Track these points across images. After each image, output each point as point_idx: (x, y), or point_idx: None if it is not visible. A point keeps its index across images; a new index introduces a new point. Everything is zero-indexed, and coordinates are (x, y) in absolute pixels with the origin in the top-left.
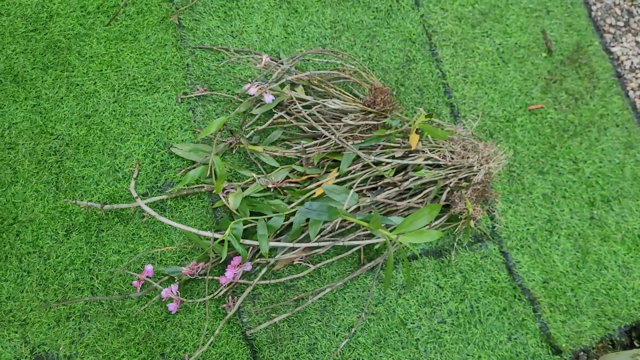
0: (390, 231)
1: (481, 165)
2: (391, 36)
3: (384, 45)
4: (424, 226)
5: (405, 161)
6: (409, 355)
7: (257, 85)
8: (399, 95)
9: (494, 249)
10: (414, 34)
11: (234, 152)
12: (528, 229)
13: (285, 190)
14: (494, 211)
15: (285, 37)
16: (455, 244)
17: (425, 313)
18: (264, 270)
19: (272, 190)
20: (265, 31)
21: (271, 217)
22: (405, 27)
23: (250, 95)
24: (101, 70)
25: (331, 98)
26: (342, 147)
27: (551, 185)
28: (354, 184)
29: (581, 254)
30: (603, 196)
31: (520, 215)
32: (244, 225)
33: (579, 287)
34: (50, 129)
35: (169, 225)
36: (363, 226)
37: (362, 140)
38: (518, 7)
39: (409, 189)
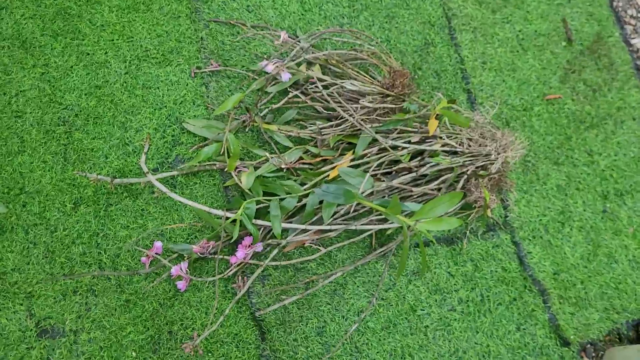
0: (406, 217)
1: (499, 154)
2: (410, 18)
3: (402, 26)
4: (443, 214)
5: (423, 147)
6: (418, 342)
7: (275, 63)
8: (416, 79)
9: (506, 238)
10: (433, 17)
11: (247, 130)
12: (541, 220)
13: (298, 171)
14: (507, 200)
15: (302, 14)
16: (467, 232)
17: (436, 300)
18: (275, 252)
19: (284, 170)
20: (282, 7)
21: (284, 198)
22: (425, 9)
23: (266, 73)
24: (112, 40)
25: (349, 79)
26: (358, 129)
27: (565, 176)
28: (369, 167)
29: (592, 247)
30: (617, 190)
31: (534, 206)
32: (256, 204)
33: (589, 279)
34: (59, 99)
35: (180, 202)
36: (377, 211)
37: (380, 124)
38: None
39: (425, 175)
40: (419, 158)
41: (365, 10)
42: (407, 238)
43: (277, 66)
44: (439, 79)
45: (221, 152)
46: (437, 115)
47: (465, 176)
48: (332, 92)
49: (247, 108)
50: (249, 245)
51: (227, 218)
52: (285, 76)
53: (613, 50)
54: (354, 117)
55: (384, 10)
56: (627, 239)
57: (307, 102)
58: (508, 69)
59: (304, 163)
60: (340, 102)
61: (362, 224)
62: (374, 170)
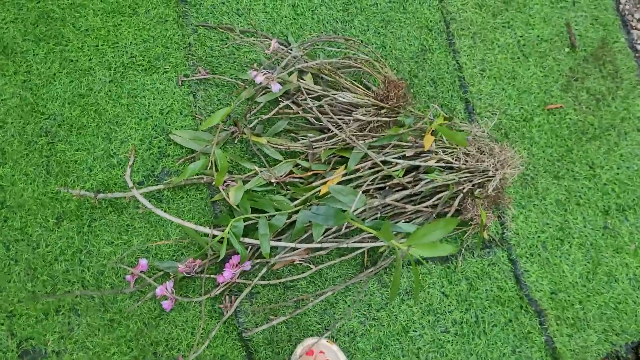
0: (396, 235)
1: (496, 170)
2: (407, 22)
3: (398, 32)
4: (438, 240)
5: (417, 162)
6: None
7: (264, 74)
8: (412, 87)
9: (503, 256)
10: (431, 21)
11: (235, 142)
12: (539, 237)
13: (288, 186)
14: (504, 216)
15: (295, 19)
16: (462, 249)
17: (429, 321)
18: (263, 270)
19: (274, 184)
20: (273, 10)
21: (273, 216)
22: (423, 13)
23: (256, 84)
24: (97, 46)
25: (342, 89)
26: (351, 146)
27: (565, 191)
28: (362, 184)
29: (592, 265)
30: (618, 205)
31: (532, 222)
32: (244, 222)
33: (588, 299)
34: (41, 108)
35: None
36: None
37: (373, 139)
38: None
39: (420, 190)
40: (414, 173)
41: (360, 14)
42: (400, 263)
43: (266, 77)
44: (435, 88)
45: (209, 167)
46: (433, 131)
47: (461, 194)
48: (324, 105)
49: (235, 122)
50: (237, 265)
51: (214, 236)
52: (276, 87)
53: (618, 57)
54: (345, 134)
55: (380, 14)
56: (628, 256)
57: (298, 113)
58: (508, 76)
59: (294, 177)
60: (331, 116)
61: (353, 242)
62: (367, 186)
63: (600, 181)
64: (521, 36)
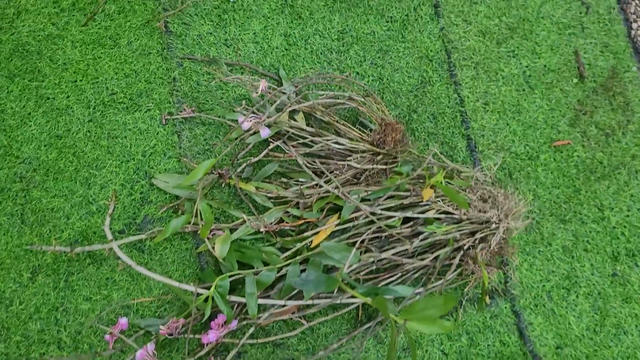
0: (393, 300)
1: (500, 220)
2: (406, 52)
3: (397, 62)
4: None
5: (415, 214)
6: None
7: (252, 120)
8: (411, 123)
9: (505, 307)
10: (431, 51)
11: (223, 186)
12: (544, 286)
13: (278, 235)
14: (507, 264)
15: (286, 49)
16: (463, 300)
17: None
18: (251, 330)
19: (263, 232)
20: (263, 41)
21: (261, 271)
22: (422, 41)
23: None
24: (75, 82)
25: (335, 132)
26: (346, 191)
27: (572, 236)
28: (356, 234)
29: (600, 317)
30: (628, 250)
31: (537, 270)
32: (230, 276)
33: (595, 354)
34: (15, 151)
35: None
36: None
37: (368, 193)
38: (550, 22)
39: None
40: (412, 223)
41: (356, 43)
42: (395, 338)
43: (255, 122)
44: (436, 124)
45: (193, 219)
46: (433, 185)
47: (462, 251)
48: (315, 152)
49: (220, 174)
50: (222, 324)
51: (199, 294)
52: (264, 133)
53: (629, 88)
54: (338, 190)
55: (377, 44)
56: (637, 306)
57: (289, 155)
58: (513, 110)
59: (284, 225)
60: (323, 161)
61: (347, 297)
62: (360, 234)
63: (609, 224)
64: (527, 66)
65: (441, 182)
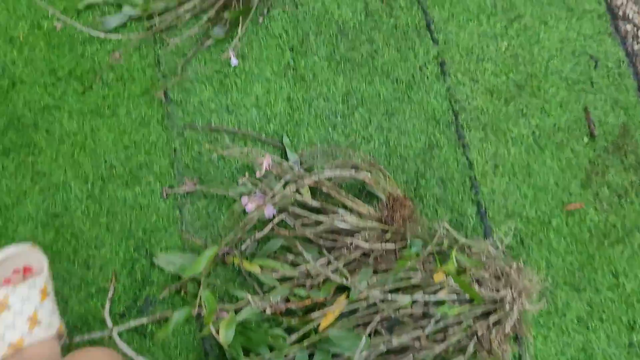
0: None
1: (514, 299)
2: (412, 114)
3: (403, 125)
4: None
5: (426, 296)
6: None
7: (255, 201)
8: (419, 189)
9: None
10: (438, 112)
11: (226, 264)
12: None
13: (284, 315)
14: (520, 338)
15: (290, 114)
16: None
17: None
18: None
19: (270, 313)
20: (266, 106)
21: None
22: (429, 102)
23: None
24: (73, 155)
25: (342, 207)
26: (354, 268)
27: (587, 305)
28: (366, 320)
29: None
30: None
31: (551, 343)
32: None
33: None
34: (11, 233)
35: (151, 354)
36: None
37: (377, 278)
38: (559, 77)
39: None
40: (423, 302)
41: (362, 105)
42: None
43: (258, 204)
44: (444, 190)
45: (197, 304)
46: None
47: (476, 337)
48: (321, 230)
49: (223, 259)
50: None
51: None
52: (269, 212)
53: None
54: (348, 280)
55: (383, 106)
56: None
57: (295, 229)
58: (523, 173)
59: (291, 304)
60: (329, 238)
61: None
62: (370, 313)
63: (625, 292)
64: (536, 125)
65: (453, 273)
